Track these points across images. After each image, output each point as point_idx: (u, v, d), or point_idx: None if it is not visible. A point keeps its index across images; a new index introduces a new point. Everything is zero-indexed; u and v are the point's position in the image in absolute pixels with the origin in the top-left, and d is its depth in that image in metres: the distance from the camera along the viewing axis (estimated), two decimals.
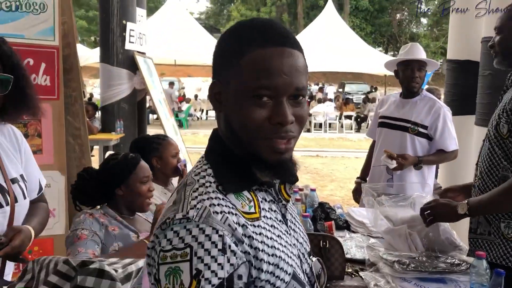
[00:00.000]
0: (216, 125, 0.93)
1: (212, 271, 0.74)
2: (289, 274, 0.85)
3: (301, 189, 2.76)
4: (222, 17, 38.53)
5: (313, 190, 2.67)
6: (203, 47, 14.16)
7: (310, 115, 14.93)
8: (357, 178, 3.30)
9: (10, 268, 1.52)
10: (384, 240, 2.12)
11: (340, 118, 16.54)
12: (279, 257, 0.84)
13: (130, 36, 5.74)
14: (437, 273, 1.74)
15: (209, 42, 14.90)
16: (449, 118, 2.90)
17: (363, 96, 19.33)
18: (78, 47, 3.17)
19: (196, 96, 19.88)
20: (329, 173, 9.15)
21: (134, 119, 6.04)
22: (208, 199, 0.81)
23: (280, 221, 0.91)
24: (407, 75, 2.89)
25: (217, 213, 0.79)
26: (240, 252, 0.78)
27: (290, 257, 0.88)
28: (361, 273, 1.84)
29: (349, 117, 16.80)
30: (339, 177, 8.73)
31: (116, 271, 1.32)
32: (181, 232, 0.76)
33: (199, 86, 23.42)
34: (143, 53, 6.16)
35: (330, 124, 16.50)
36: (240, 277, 0.77)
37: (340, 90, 23.19)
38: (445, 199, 1.93)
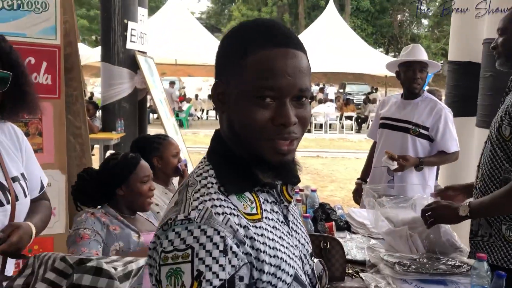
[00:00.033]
0: (216, 125, 0.93)
1: (214, 273, 0.73)
2: (291, 275, 0.85)
3: (301, 190, 2.76)
4: (223, 17, 38.54)
5: (313, 190, 2.67)
6: (204, 47, 14.17)
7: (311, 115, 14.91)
8: (358, 179, 3.30)
9: (11, 266, 1.51)
10: (385, 242, 2.12)
11: (340, 119, 16.54)
12: (281, 258, 0.84)
13: (131, 35, 5.74)
14: (438, 275, 1.74)
15: (210, 42, 14.90)
16: (451, 120, 2.90)
17: (363, 97, 19.32)
18: (79, 46, 3.16)
19: (196, 96, 19.89)
20: (329, 173, 9.15)
21: (134, 119, 6.04)
22: (210, 200, 0.81)
23: (282, 222, 0.91)
24: (409, 76, 2.89)
25: (219, 214, 0.78)
26: (242, 254, 0.78)
27: (292, 259, 0.87)
28: (361, 274, 1.84)
29: (349, 117, 16.79)
30: (339, 177, 8.72)
31: (115, 268, 1.31)
32: (182, 233, 0.76)
33: (199, 86, 23.46)
34: (144, 53, 6.16)
35: (330, 124, 16.49)
36: (241, 278, 0.76)
37: (341, 90, 23.19)
38: (446, 201, 1.93)
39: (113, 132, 5.86)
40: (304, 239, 0.98)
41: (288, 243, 0.89)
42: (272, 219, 0.88)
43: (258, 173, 0.87)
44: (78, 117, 3.06)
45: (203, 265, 0.73)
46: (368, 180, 3.16)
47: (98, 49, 9.02)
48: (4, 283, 1.40)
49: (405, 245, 1.97)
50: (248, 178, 0.87)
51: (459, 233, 2.15)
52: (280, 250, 0.85)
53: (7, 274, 1.46)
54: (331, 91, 22.52)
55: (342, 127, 16.25)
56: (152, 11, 15.87)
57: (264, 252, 0.81)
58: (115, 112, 5.84)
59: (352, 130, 16.47)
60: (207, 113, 19.98)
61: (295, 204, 1.04)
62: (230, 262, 0.75)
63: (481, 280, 1.53)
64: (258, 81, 0.81)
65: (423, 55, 2.90)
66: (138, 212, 2.05)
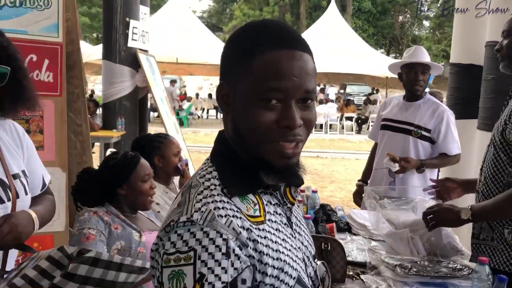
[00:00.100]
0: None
1: (216, 275, 0.73)
2: (294, 278, 0.84)
3: (302, 191, 2.75)
4: (225, 16, 38.53)
5: (314, 191, 2.66)
6: (205, 46, 14.19)
7: None
8: (359, 180, 3.29)
9: (11, 261, 1.49)
10: (386, 243, 2.11)
11: (341, 120, 16.54)
12: (284, 261, 0.83)
13: (133, 33, 5.74)
14: (439, 277, 1.73)
15: (211, 41, 14.91)
16: (452, 122, 2.89)
17: (364, 98, 19.31)
18: (80, 44, 3.16)
19: (197, 95, 19.87)
20: (329, 174, 9.14)
21: (135, 117, 6.03)
22: (212, 202, 0.80)
23: (285, 224, 0.90)
24: (411, 78, 2.88)
25: (222, 216, 0.78)
26: (244, 256, 0.77)
27: (295, 261, 0.87)
28: (362, 276, 1.83)
29: (350, 118, 16.79)
30: (339, 178, 8.72)
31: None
32: (185, 235, 0.75)
33: (200, 85, 23.46)
34: (146, 51, 6.16)
35: (330, 125, 16.49)
36: (244, 281, 0.76)
37: (342, 91, 23.19)
38: (448, 204, 1.92)
39: (113, 130, 5.85)
40: (307, 241, 0.98)
41: (291, 245, 0.88)
42: (275, 221, 0.87)
43: (262, 176, 0.86)
44: (79, 115, 3.06)
45: (205, 267, 0.73)
46: (369, 181, 3.15)
47: (99, 47, 9.03)
48: (4, 284, 1.38)
49: (406, 247, 1.97)
50: (252, 180, 0.86)
51: (460, 236, 2.14)
52: (283, 252, 0.84)
53: (8, 270, 1.45)
54: (332, 91, 22.52)
55: (343, 127, 16.25)
56: (154, 9, 15.84)
57: (267, 254, 0.80)
58: (115, 110, 5.83)
59: (352, 130, 16.46)
60: (207, 112, 19.96)
61: (298, 206, 1.04)
62: (232, 264, 0.75)
63: (482, 283, 1.53)
64: (265, 83, 0.80)
65: (425, 57, 2.90)
66: (139, 211, 2.04)
